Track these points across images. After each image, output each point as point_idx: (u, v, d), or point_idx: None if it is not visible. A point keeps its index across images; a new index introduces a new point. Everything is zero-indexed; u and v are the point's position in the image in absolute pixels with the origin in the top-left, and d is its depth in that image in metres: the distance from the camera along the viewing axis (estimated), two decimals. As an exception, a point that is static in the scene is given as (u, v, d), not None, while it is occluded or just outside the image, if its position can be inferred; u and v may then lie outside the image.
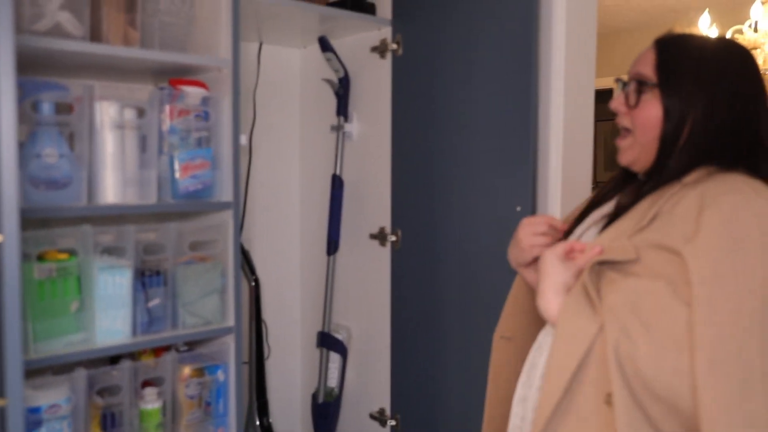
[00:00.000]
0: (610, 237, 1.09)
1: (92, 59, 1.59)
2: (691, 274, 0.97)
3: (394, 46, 2.11)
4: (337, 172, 2.32)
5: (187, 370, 1.75)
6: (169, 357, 1.72)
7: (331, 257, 2.36)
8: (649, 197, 1.12)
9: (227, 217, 1.77)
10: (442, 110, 1.97)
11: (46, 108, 1.50)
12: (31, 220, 1.45)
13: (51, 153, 1.51)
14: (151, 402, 1.68)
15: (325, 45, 2.22)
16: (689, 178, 1.10)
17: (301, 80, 2.57)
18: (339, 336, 2.36)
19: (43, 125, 1.50)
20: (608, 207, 1.24)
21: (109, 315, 1.59)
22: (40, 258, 1.49)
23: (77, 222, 1.58)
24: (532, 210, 1.79)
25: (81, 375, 1.56)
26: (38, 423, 1.47)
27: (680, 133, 1.13)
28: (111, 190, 1.60)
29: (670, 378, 0.94)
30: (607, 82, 2.42)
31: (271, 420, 2.24)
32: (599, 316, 1.00)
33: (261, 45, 2.41)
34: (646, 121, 1.17)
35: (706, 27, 3.58)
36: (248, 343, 2.22)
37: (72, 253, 1.54)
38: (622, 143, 1.22)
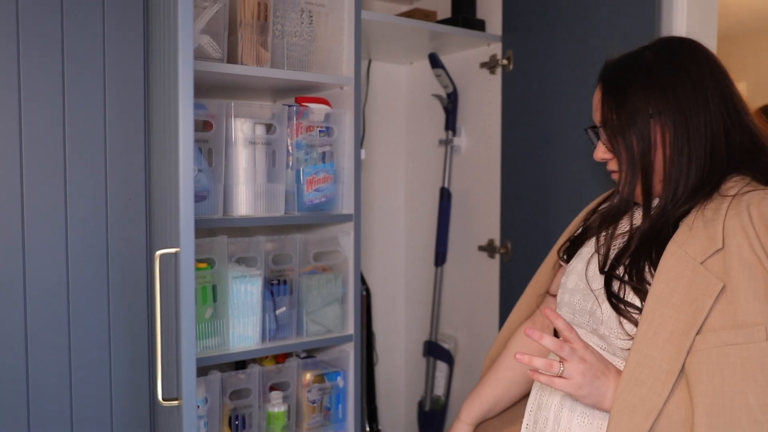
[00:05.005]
0: (672, 266, 1.02)
1: (230, 79, 1.68)
2: None
3: (505, 61, 2.14)
4: (446, 185, 2.36)
5: (308, 376, 1.82)
6: (294, 363, 1.79)
7: (439, 268, 2.39)
8: (691, 214, 1.07)
9: (348, 229, 1.83)
10: (555, 124, 1.98)
11: (189, 126, 1.60)
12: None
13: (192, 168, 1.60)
14: (278, 405, 1.76)
15: (435, 61, 2.27)
16: (731, 190, 1.06)
17: (406, 96, 2.63)
18: (446, 346, 2.39)
19: (186, 142, 1.60)
20: (625, 225, 1.19)
21: (241, 321, 1.67)
22: (181, 266, 1.58)
23: (211, 233, 1.67)
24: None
25: (216, 378, 1.65)
26: (181, 422, 1.56)
27: (648, 155, 1.11)
28: (243, 203, 1.69)
29: None
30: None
31: (380, 427, 2.29)
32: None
33: (370, 62, 2.48)
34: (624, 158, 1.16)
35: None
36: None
37: (209, 262, 1.63)
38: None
